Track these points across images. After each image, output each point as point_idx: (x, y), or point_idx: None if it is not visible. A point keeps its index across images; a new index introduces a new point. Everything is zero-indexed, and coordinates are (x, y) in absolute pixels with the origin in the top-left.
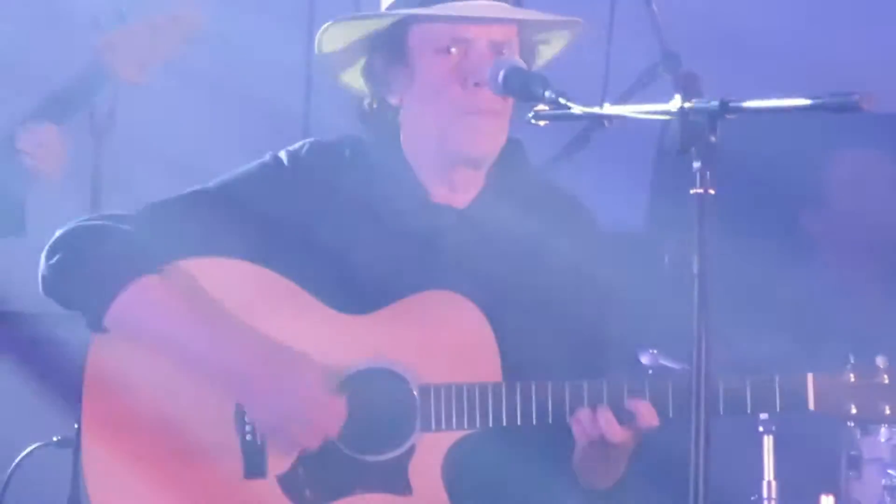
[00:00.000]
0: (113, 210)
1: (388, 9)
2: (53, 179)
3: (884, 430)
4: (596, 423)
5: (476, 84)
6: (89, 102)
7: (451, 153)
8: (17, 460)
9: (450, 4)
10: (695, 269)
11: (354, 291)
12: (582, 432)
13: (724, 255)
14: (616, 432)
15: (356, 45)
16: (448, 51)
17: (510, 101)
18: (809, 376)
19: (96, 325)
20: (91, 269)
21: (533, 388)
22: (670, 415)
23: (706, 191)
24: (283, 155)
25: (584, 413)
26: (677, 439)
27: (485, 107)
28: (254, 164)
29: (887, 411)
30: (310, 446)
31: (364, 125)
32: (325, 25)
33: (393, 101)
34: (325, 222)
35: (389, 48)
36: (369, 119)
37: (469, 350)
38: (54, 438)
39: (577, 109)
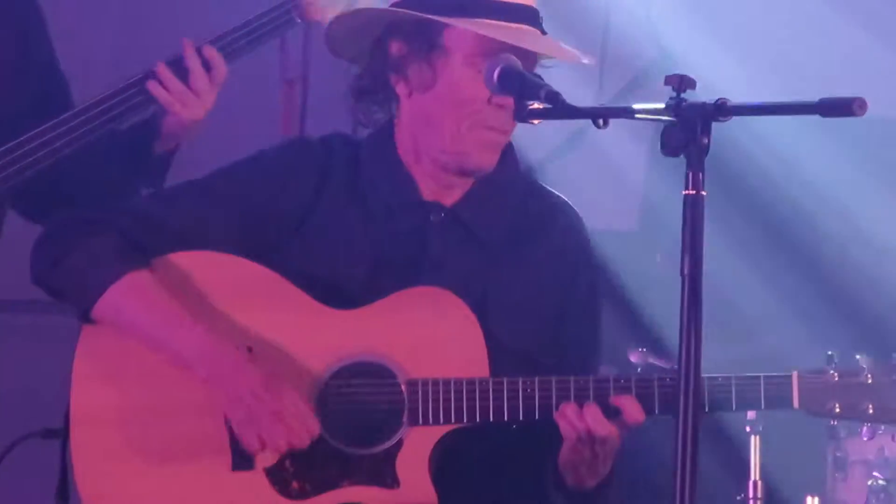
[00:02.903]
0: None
1: (417, 8)
2: (196, 122)
3: (865, 430)
4: (582, 418)
5: (499, 105)
6: (277, 36)
7: (454, 161)
8: (4, 451)
9: (495, 23)
10: (685, 270)
11: (343, 286)
12: (568, 427)
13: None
14: (603, 427)
15: (372, 19)
16: (479, 63)
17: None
18: (794, 375)
19: (86, 317)
20: (83, 261)
21: (520, 383)
22: (656, 412)
23: (698, 192)
24: (271, 150)
25: (570, 408)
26: (663, 438)
27: (500, 126)
28: (243, 158)
29: (870, 410)
30: (274, 451)
31: (357, 103)
32: (356, 10)
33: (400, 90)
34: (313, 217)
35: (416, 39)
36: (364, 98)
37: (457, 346)
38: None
39: (571, 109)
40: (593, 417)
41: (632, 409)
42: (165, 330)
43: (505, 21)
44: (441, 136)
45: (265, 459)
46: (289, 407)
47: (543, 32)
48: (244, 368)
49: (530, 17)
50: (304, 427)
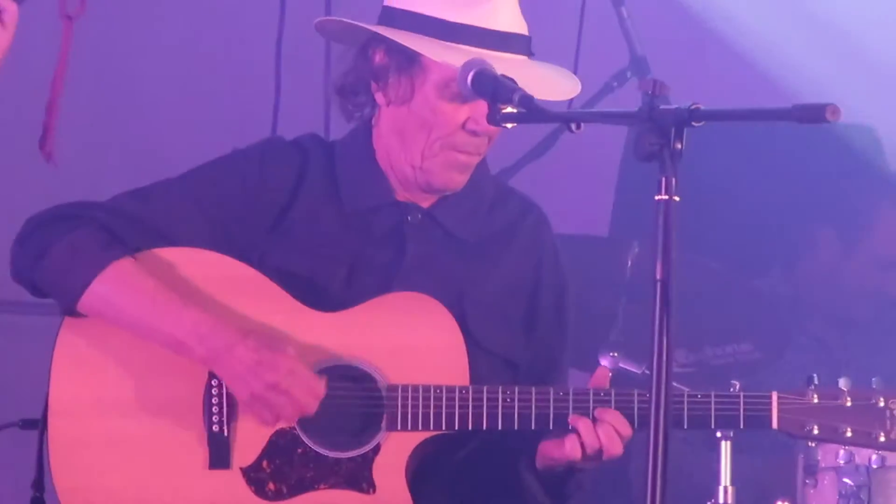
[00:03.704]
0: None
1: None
2: None
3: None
4: (596, 435)
5: (473, 132)
6: None
7: (422, 178)
8: None
9: (476, 51)
10: (657, 275)
11: (322, 285)
12: (575, 445)
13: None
14: (615, 446)
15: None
16: (454, 87)
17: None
18: (774, 395)
19: (71, 311)
20: (66, 254)
21: (499, 392)
22: (635, 426)
23: (670, 197)
24: (247, 150)
25: (582, 423)
26: (636, 441)
27: (473, 150)
28: (219, 158)
29: (848, 433)
30: (287, 421)
31: (339, 98)
32: (337, 20)
33: (380, 99)
34: (289, 217)
35: (397, 54)
36: (347, 95)
37: (438, 352)
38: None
39: (544, 113)
40: (607, 435)
41: (619, 425)
42: (156, 313)
43: (487, 49)
44: (412, 151)
45: (242, 459)
46: (287, 376)
47: (532, 55)
48: (238, 345)
49: (517, 44)
50: (308, 393)
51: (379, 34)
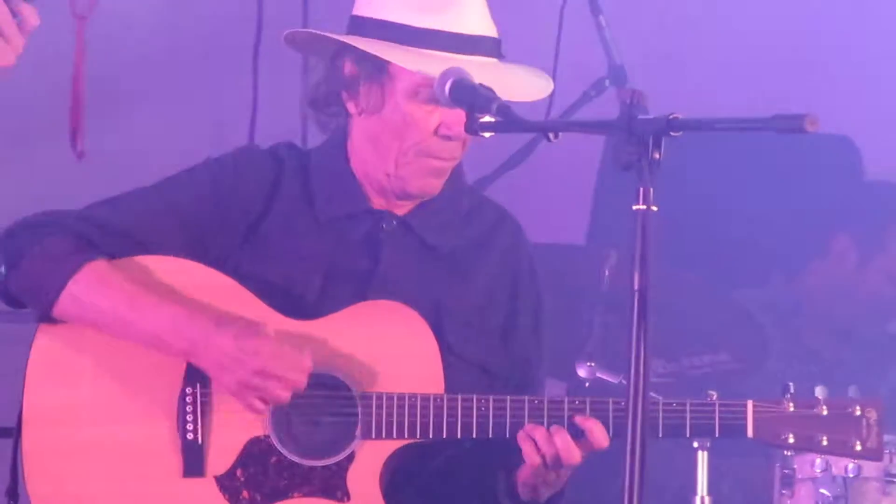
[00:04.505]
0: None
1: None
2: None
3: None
4: (552, 442)
5: (446, 137)
6: None
7: (397, 185)
8: None
9: (442, 55)
10: (635, 286)
11: (297, 294)
12: (533, 451)
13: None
14: (571, 455)
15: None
16: (424, 93)
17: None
18: (749, 404)
19: (47, 316)
20: (40, 260)
21: (474, 400)
22: (610, 434)
23: (648, 207)
24: (221, 159)
25: (538, 431)
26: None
27: (447, 156)
28: (193, 167)
29: (824, 442)
30: (281, 400)
31: (312, 110)
32: (307, 32)
33: (352, 109)
34: (263, 226)
35: (366, 63)
36: (319, 107)
37: (413, 361)
38: None
39: (522, 122)
40: (563, 442)
41: (598, 433)
42: (134, 310)
43: (456, 53)
44: (385, 159)
45: (216, 467)
46: (272, 359)
47: (502, 57)
48: (218, 334)
49: (486, 47)
50: (295, 370)
51: (348, 44)
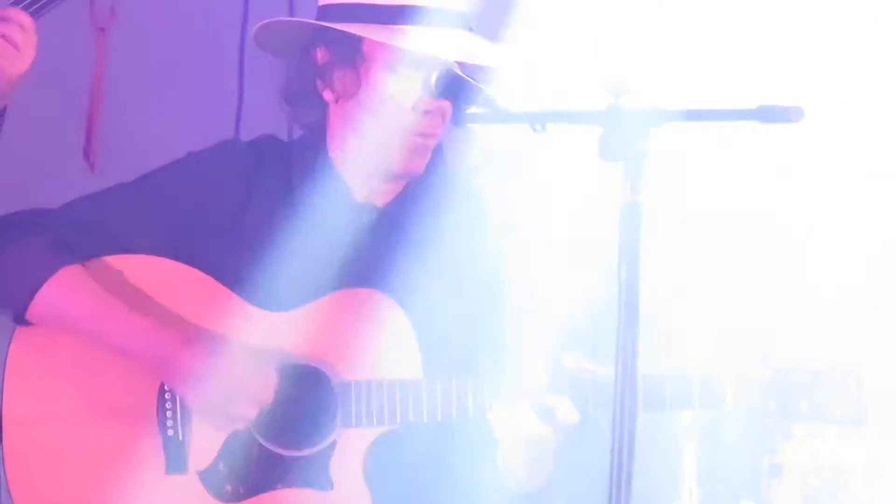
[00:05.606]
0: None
1: (341, 16)
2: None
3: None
4: (515, 419)
5: (426, 111)
6: None
7: (384, 166)
8: None
9: (416, 29)
10: (621, 279)
11: (275, 288)
12: (501, 429)
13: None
14: (534, 429)
15: (291, 30)
16: (401, 69)
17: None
18: (727, 372)
19: (20, 319)
20: (14, 261)
21: (453, 384)
22: (590, 412)
23: (635, 199)
24: (201, 153)
25: (501, 410)
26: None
27: (430, 132)
28: (172, 162)
29: (804, 407)
30: (248, 417)
31: (289, 106)
32: (274, 21)
33: (328, 97)
34: (244, 220)
35: (339, 47)
36: (294, 102)
37: (390, 348)
38: None
39: (509, 114)
40: (526, 419)
41: (565, 409)
42: (104, 321)
43: (427, 26)
44: (367, 142)
45: (198, 462)
46: (236, 379)
47: (473, 32)
48: (182, 353)
49: (456, 20)
50: (259, 387)
51: (318, 31)
